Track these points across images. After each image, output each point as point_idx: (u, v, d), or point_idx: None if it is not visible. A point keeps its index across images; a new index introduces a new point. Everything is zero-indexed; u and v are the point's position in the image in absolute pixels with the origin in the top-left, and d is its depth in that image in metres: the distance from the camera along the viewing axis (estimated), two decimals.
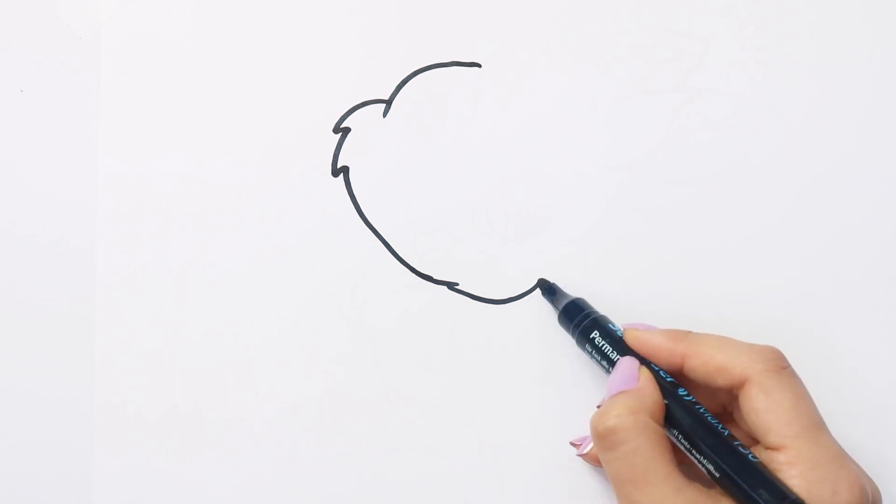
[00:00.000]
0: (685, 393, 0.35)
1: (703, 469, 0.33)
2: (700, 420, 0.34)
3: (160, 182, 0.41)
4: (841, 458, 0.32)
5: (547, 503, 0.40)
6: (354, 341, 0.40)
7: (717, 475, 0.33)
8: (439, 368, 0.40)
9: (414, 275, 0.41)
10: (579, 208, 0.41)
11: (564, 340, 0.40)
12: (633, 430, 0.33)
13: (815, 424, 0.33)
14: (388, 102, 0.42)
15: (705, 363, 0.35)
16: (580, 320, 0.38)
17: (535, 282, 0.41)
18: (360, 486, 0.40)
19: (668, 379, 0.35)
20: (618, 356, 0.36)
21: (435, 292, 0.41)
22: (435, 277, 0.41)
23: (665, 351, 0.36)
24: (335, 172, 0.41)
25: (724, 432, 0.33)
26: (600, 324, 0.38)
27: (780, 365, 0.34)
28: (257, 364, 0.40)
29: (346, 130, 0.42)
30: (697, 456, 0.34)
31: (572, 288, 0.40)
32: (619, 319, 0.39)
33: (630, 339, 0.36)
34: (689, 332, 0.36)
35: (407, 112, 0.42)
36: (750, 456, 0.33)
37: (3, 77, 0.42)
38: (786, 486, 0.31)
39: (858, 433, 0.39)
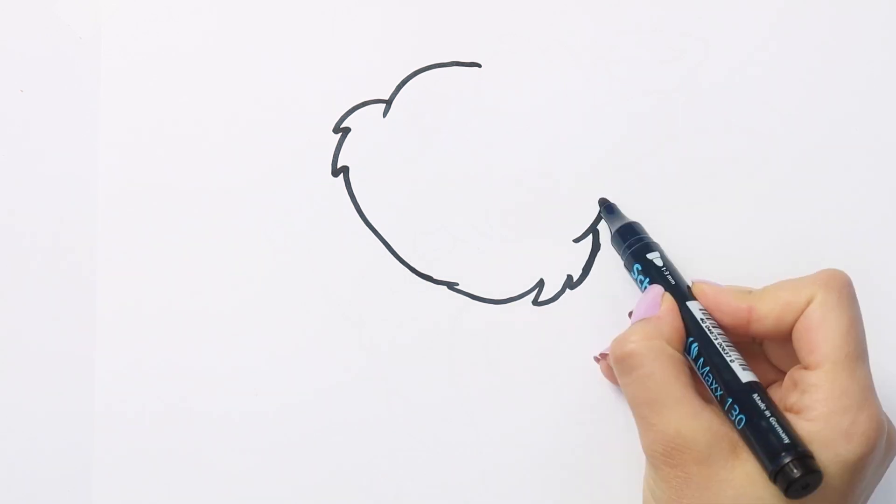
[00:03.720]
0: (711, 324, 0.35)
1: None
2: (715, 355, 0.34)
3: (160, 182, 0.41)
4: (869, 392, 0.32)
5: (547, 503, 0.40)
6: (354, 341, 0.40)
7: (725, 406, 0.33)
8: (439, 368, 0.40)
9: (414, 275, 0.41)
10: (579, 208, 0.41)
11: (564, 340, 0.40)
12: (648, 354, 0.33)
13: (859, 354, 0.33)
14: (388, 102, 0.42)
15: (771, 308, 0.34)
16: (632, 243, 0.38)
17: (535, 281, 0.41)
18: (360, 485, 0.40)
19: (701, 310, 0.35)
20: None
21: (435, 292, 0.41)
22: (435, 277, 0.41)
23: (731, 306, 0.35)
24: (335, 172, 0.41)
25: (738, 368, 0.33)
26: (651, 248, 0.38)
27: (843, 283, 0.34)
28: (257, 364, 0.40)
29: (346, 130, 0.42)
30: (709, 385, 0.34)
31: (574, 288, 0.40)
32: (619, 317, 0.39)
33: (697, 291, 0.36)
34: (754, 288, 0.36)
35: (407, 112, 0.42)
36: (760, 402, 0.32)
37: (3, 77, 0.42)
38: (792, 435, 0.31)
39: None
